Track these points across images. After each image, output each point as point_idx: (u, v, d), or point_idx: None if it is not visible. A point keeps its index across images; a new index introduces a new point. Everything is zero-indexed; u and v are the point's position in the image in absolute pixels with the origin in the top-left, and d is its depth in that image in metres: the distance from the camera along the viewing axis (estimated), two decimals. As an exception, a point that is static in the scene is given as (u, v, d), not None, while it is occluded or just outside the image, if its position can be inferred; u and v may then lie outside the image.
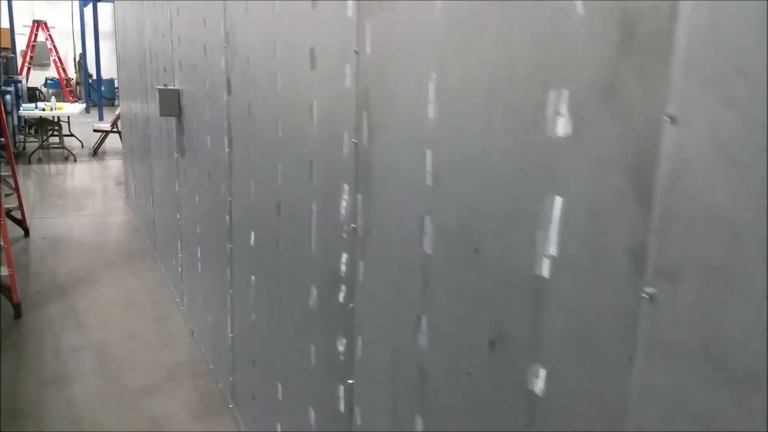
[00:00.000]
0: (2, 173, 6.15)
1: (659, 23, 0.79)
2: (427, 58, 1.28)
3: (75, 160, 10.59)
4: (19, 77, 13.29)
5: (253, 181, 2.58)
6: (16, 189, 6.29)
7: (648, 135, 0.82)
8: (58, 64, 18.56)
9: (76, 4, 19.61)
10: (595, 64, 0.89)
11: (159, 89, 3.80)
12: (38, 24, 17.67)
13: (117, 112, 11.31)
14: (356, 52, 1.60)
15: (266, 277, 2.53)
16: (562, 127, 0.96)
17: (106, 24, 19.77)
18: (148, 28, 4.89)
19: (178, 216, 4.31)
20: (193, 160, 3.70)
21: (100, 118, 16.24)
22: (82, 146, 11.86)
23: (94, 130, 11.36)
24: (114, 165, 10.38)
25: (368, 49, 1.54)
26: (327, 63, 1.78)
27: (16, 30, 17.62)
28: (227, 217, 3.04)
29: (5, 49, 15.72)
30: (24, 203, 6.39)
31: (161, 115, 3.84)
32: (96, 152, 11.22)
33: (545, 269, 1.03)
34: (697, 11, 0.74)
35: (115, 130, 11.07)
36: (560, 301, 1.00)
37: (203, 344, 3.85)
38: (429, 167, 1.31)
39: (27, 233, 6.31)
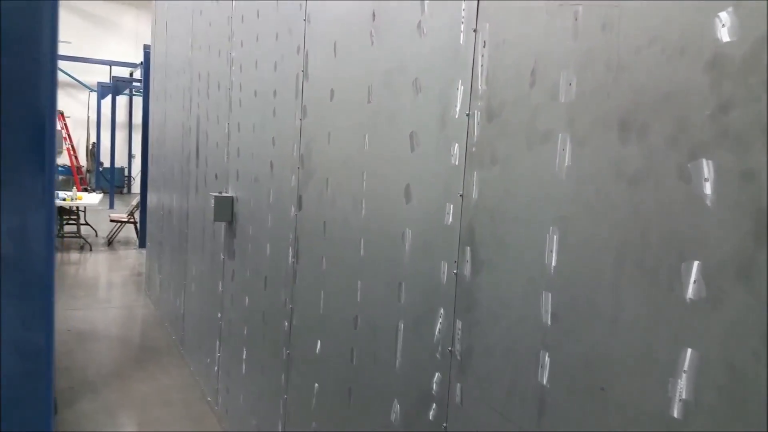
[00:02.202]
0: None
1: (793, 221, 0.99)
2: (548, 212, 1.49)
3: (90, 249, 10.75)
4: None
5: (324, 292, 2.74)
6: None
7: (785, 308, 1.01)
8: (71, 152, 19.10)
9: (94, 96, 20.47)
10: (729, 246, 1.08)
11: (215, 196, 4.03)
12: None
13: (133, 202, 11.60)
14: (461, 196, 1.81)
15: (334, 386, 2.64)
16: (696, 291, 1.14)
17: (119, 115, 20.55)
18: (196, 134, 5.21)
19: (219, 315, 4.43)
20: (244, 264, 3.87)
21: (111, 206, 16.55)
22: (96, 235, 12.05)
23: (111, 220, 11.59)
24: (129, 255, 10.53)
25: (475, 194, 1.76)
26: (425, 199, 2.00)
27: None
28: (286, 323, 3.18)
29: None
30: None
31: (215, 220, 4.05)
32: (111, 242, 11.40)
33: (677, 411, 1.18)
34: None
35: (132, 220, 11.32)
36: (696, 441, 1.15)
37: (243, 447, 3.86)
38: (547, 307, 1.49)
39: (51, 325, 6.36)
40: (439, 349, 1.92)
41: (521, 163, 1.58)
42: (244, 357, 3.87)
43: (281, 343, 3.25)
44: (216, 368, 4.50)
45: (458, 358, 1.83)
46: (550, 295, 1.48)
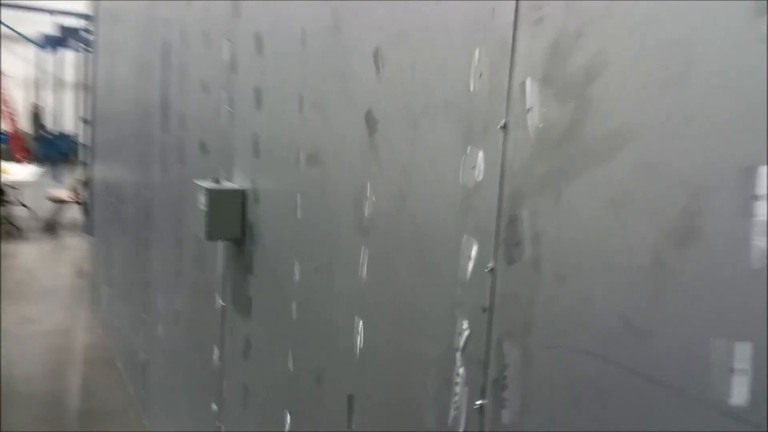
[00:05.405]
0: None
1: None
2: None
3: (23, 238, 8.44)
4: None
5: None
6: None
7: None
8: (10, 115, 16.48)
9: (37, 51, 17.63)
10: None
11: (206, 188, 1.94)
12: (-8, 72, 15.69)
13: (77, 175, 9.27)
14: None
15: None
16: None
17: (68, 74, 17.79)
18: (162, 72, 3.05)
19: (215, 408, 2.37)
20: (276, 334, 1.81)
21: (56, 180, 14.04)
22: (36, 216, 9.69)
23: (49, 199, 9.24)
24: (74, 245, 8.27)
25: None
26: None
27: (-34, 77, 15.48)
28: None
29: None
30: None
31: (208, 238, 1.97)
32: (51, 227, 9.08)
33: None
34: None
35: (76, 199, 9.00)
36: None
37: None
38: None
39: (-58, 369, 4.19)
40: None
41: None
42: None
43: None
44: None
45: None
46: None
